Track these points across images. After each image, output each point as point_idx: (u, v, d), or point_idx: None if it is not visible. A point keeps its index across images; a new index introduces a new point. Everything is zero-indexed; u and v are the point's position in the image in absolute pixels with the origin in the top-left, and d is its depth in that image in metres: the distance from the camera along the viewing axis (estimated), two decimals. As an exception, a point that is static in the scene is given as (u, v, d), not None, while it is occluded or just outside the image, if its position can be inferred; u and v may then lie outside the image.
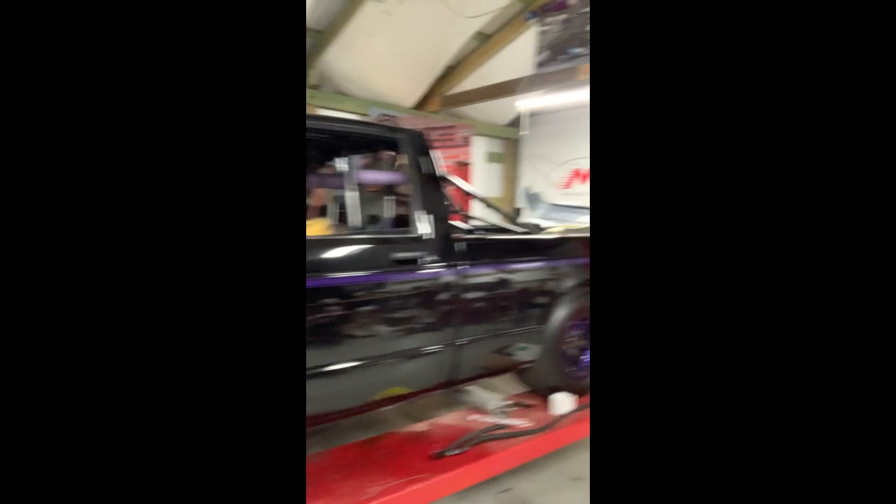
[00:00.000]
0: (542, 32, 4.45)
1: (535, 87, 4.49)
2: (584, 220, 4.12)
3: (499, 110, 6.55)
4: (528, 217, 4.58)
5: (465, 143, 6.55)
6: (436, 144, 6.63)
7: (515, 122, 7.08)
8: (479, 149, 6.88)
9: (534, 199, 4.55)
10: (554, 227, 3.96)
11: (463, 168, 4.92)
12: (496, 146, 7.24)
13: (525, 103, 4.71)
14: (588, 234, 3.50)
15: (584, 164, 6.33)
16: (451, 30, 4.71)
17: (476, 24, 4.65)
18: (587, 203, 6.52)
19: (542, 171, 6.91)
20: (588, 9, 4.06)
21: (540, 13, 4.44)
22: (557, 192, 6.72)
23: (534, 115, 7.04)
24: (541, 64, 4.44)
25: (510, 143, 7.25)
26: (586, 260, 2.78)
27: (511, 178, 7.30)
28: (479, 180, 6.79)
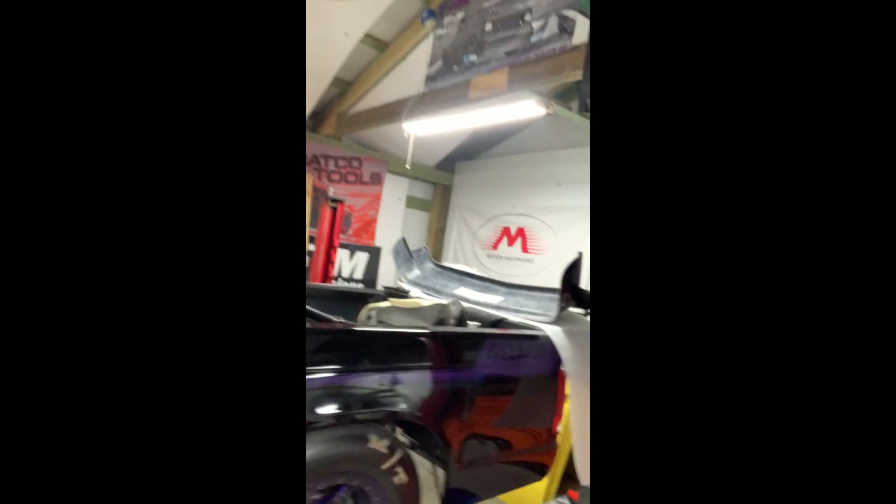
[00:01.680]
0: (438, 38, 3.36)
1: (422, 109, 3.36)
2: (464, 293, 2.78)
3: (427, 148, 5.44)
4: (402, 280, 3.29)
5: (375, 180, 5.36)
6: (332, 177, 5.52)
7: (447, 164, 5.94)
8: (397, 190, 5.70)
9: (414, 256, 3.25)
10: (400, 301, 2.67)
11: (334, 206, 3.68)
12: (422, 190, 6.07)
13: (413, 128, 3.58)
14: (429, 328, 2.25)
15: (515, 221, 5.13)
16: (334, 30, 3.65)
17: (363, 24, 3.59)
18: (486, 272, 5.27)
19: (470, 226, 5.70)
20: (488, 3, 2.98)
21: (438, 13, 3.38)
22: (483, 253, 5.47)
23: (469, 158, 5.93)
24: (431, 78, 3.32)
25: (439, 188, 6.08)
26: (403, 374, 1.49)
27: (437, 230, 6.08)
28: (391, 229, 5.55)
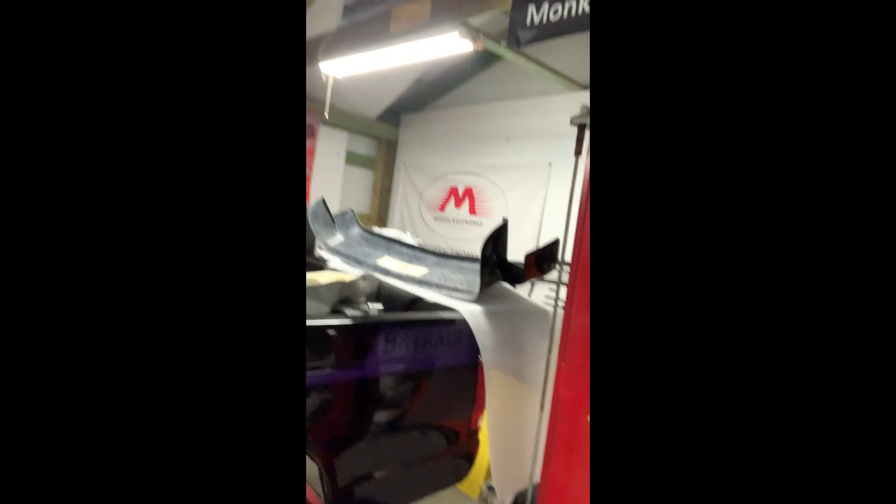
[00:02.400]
0: (358, -40, 2.83)
1: (341, 47, 2.85)
2: (388, 263, 2.40)
3: (365, 97, 4.90)
4: (322, 248, 2.89)
5: (306, 133, 4.82)
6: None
7: (391, 117, 5.42)
8: (335, 145, 5.18)
9: (337, 220, 2.83)
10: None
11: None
12: (364, 146, 5.55)
13: (331, 68, 3.07)
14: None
15: (463, 180, 4.73)
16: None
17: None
18: (434, 236, 4.87)
19: (416, 186, 5.26)
20: (409, -87, 2.47)
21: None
22: (430, 215, 5.08)
23: (414, 110, 5.42)
24: (349, 9, 2.81)
25: (384, 144, 5.57)
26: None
27: (382, 191, 5.62)
28: (328, 189, 5.06)
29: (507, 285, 2.07)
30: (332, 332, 1.42)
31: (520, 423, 1.73)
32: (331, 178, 5.11)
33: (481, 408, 1.87)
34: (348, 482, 1.47)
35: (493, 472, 1.66)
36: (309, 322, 1.34)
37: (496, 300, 1.98)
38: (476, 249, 5.18)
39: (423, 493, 1.80)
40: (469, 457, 1.88)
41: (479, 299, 1.88)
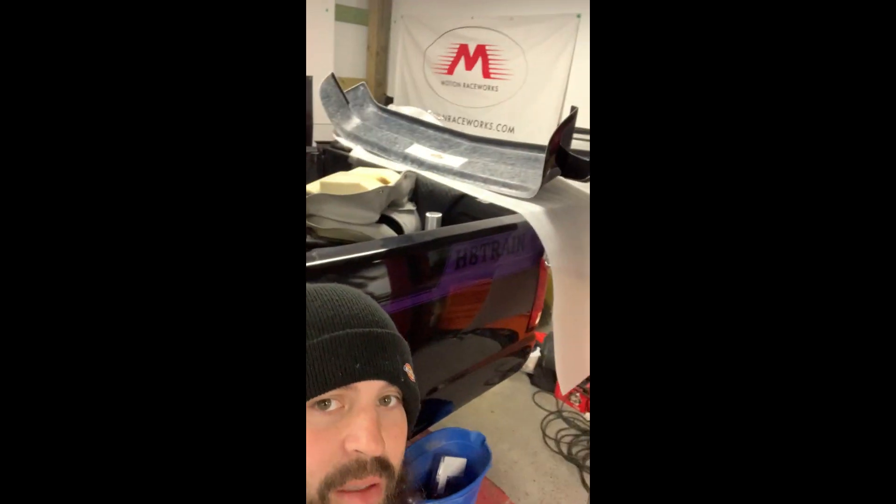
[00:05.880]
0: None
1: None
2: (417, 152, 2.24)
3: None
4: (339, 133, 2.63)
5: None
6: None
7: (383, -42, 4.57)
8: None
9: (350, 99, 2.53)
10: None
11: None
12: (354, -4, 4.78)
13: None
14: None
15: (474, 37, 4.17)
16: None
17: None
18: (441, 103, 4.45)
19: (418, 44, 4.66)
20: None
21: None
22: (436, 79, 4.59)
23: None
24: None
25: (377, -8, 4.80)
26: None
27: (378, 50, 4.99)
28: (318, 51, 4.46)
29: (563, 179, 1.91)
30: (383, 259, 1.28)
31: (584, 321, 1.74)
32: (320, 37, 4.48)
33: (540, 307, 1.86)
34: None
35: (557, 370, 1.71)
36: (359, 252, 1.19)
37: (553, 196, 1.84)
38: (492, 118, 4.79)
39: (487, 388, 1.88)
40: (526, 350, 1.93)
41: (536, 197, 1.73)
